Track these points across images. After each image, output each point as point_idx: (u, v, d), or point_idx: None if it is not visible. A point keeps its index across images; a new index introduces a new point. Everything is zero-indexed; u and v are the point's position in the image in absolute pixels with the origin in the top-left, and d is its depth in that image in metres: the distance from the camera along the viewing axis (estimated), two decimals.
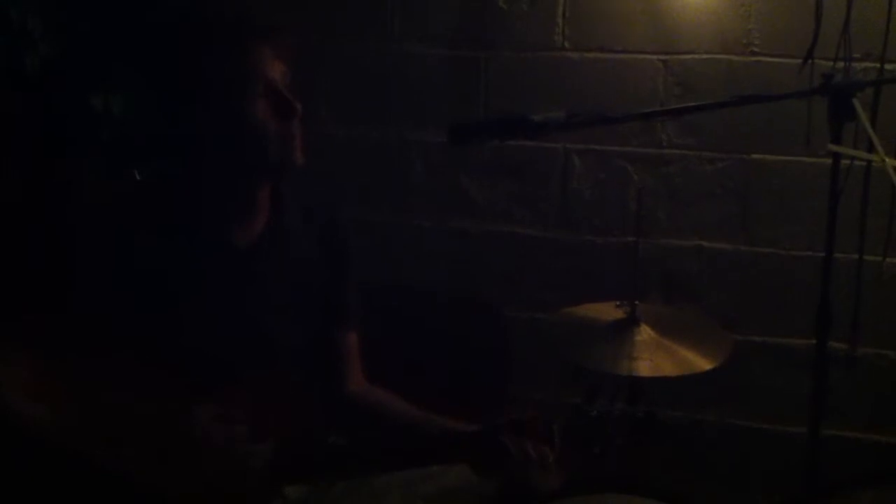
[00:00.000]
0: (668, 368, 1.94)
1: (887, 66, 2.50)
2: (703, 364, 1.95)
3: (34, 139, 2.36)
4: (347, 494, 1.89)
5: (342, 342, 1.98)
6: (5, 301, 1.64)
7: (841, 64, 2.50)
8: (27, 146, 2.32)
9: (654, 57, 2.73)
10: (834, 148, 1.74)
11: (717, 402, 2.79)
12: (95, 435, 1.58)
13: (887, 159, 1.63)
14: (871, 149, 1.76)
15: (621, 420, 1.67)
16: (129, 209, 1.73)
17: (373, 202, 2.96)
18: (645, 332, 2.03)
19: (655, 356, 1.96)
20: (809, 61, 2.46)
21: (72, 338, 1.64)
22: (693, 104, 1.89)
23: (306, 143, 1.75)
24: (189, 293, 1.72)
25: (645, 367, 1.92)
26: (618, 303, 2.10)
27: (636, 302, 2.05)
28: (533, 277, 2.93)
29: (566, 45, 2.79)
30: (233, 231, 1.78)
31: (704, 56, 2.69)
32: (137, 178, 1.88)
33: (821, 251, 1.91)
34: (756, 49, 2.65)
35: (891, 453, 2.68)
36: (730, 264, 2.79)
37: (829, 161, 1.90)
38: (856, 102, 1.70)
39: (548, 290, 2.87)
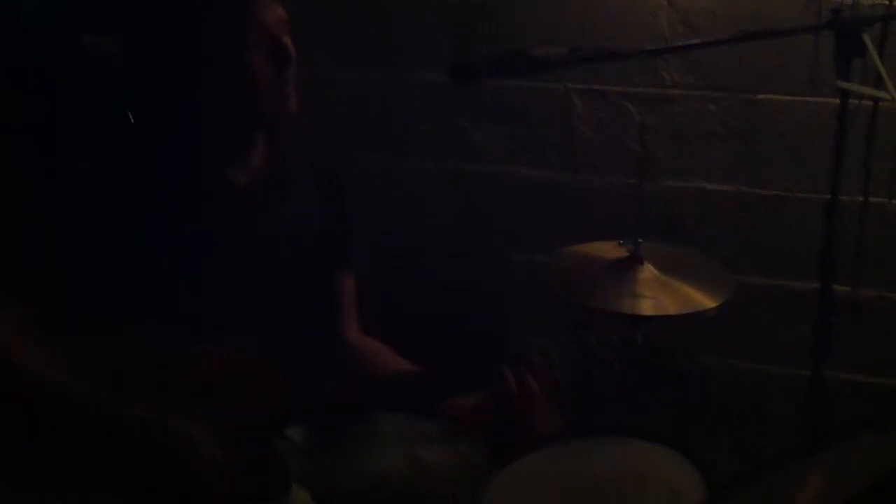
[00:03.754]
0: (671, 306, 1.92)
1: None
2: (707, 302, 1.93)
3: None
4: (348, 434, 1.89)
5: (338, 286, 1.95)
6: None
7: (848, 1, 2.45)
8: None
9: None
10: (842, 85, 1.71)
11: (719, 345, 2.78)
12: (91, 386, 1.57)
13: None
14: (879, 86, 1.72)
15: (619, 345, 1.67)
16: (122, 158, 1.70)
17: (372, 145, 2.92)
18: (648, 271, 2.00)
19: (659, 294, 1.94)
20: None
21: (68, 288, 1.62)
22: (697, 41, 1.85)
23: (304, 91, 1.71)
24: (186, 239, 1.69)
25: (648, 305, 1.90)
26: (621, 241, 2.07)
27: (640, 240, 2.03)
28: (534, 219, 2.90)
29: None
30: (229, 175, 1.75)
31: None
32: (132, 119, 1.84)
33: (825, 193, 1.89)
34: None
35: (893, 396, 2.68)
36: (733, 206, 2.76)
37: (834, 101, 1.87)
38: (866, 38, 1.66)
39: (549, 232, 2.84)
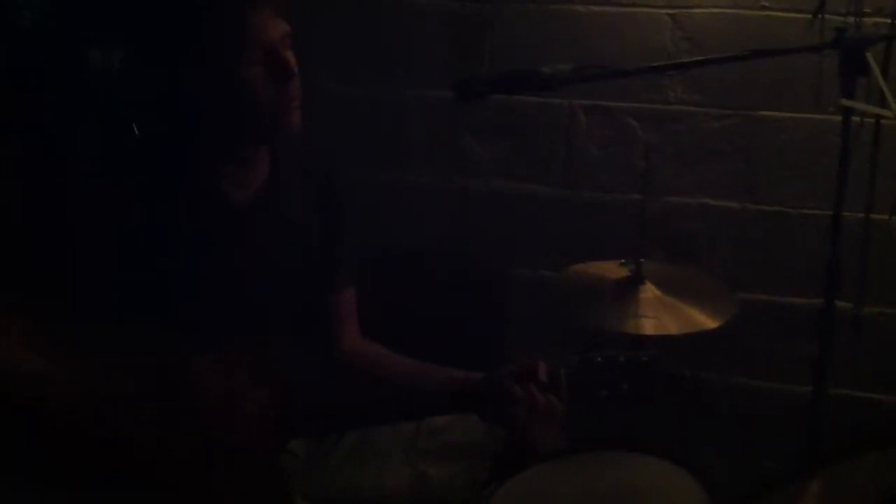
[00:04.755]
0: (672, 326, 1.93)
1: None
2: (708, 322, 1.95)
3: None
4: (352, 451, 1.89)
5: (337, 300, 1.96)
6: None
7: (851, 19, 2.47)
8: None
9: (662, 11, 2.69)
10: (846, 103, 1.72)
11: (721, 361, 2.79)
12: (91, 392, 1.57)
13: None
14: (882, 105, 1.73)
15: (626, 366, 1.68)
16: (123, 171, 1.71)
17: (374, 161, 2.93)
18: (650, 291, 2.02)
19: (660, 314, 1.95)
20: (819, 16, 2.42)
21: (68, 301, 1.62)
22: (702, 58, 1.86)
23: (304, 106, 1.72)
24: (186, 252, 1.70)
25: (650, 325, 1.91)
26: (622, 261, 2.08)
27: (641, 260, 2.04)
28: (537, 236, 2.91)
29: None
30: (229, 189, 1.75)
31: (713, 10, 2.65)
32: (136, 133, 1.85)
33: (828, 209, 1.90)
34: (766, 3, 2.61)
35: (894, 412, 2.68)
36: (736, 223, 2.77)
37: (837, 118, 1.88)
38: (869, 57, 1.67)
39: (552, 250, 2.85)
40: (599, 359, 1.70)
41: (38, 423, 1.56)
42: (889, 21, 2.47)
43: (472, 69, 2.82)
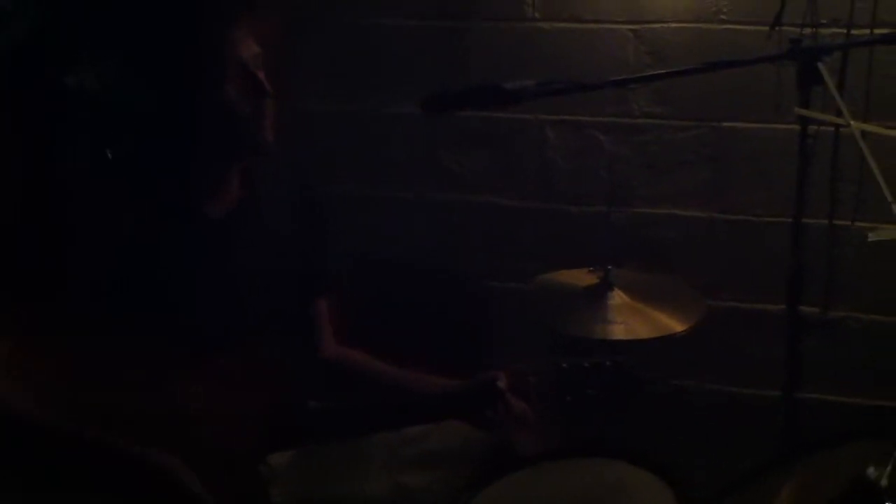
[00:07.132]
0: (642, 331, 1.97)
1: (854, 32, 2.52)
2: (676, 326, 1.98)
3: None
4: (331, 460, 1.91)
5: (314, 309, 2.00)
6: None
7: (809, 30, 2.52)
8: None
9: (625, 27, 2.74)
10: (801, 112, 1.76)
11: (693, 368, 2.82)
12: (79, 413, 1.59)
13: (853, 122, 1.65)
14: (839, 114, 1.77)
15: (591, 371, 1.72)
16: (104, 188, 1.73)
17: (350, 176, 2.96)
18: (618, 297, 2.06)
19: (630, 319, 1.98)
20: (777, 28, 2.48)
21: (54, 317, 1.64)
22: (664, 71, 1.90)
23: (278, 122, 1.75)
24: (164, 266, 1.72)
25: (620, 330, 1.95)
26: (591, 268, 2.12)
27: (609, 267, 2.08)
28: (511, 248, 2.95)
29: (537, 15, 2.80)
30: (205, 204, 1.78)
31: (674, 25, 2.70)
32: (109, 157, 1.88)
33: (792, 216, 1.93)
34: (725, 17, 2.66)
35: (864, 414, 2.72)
36: (704, 231, 2.81)
37: (798, 127, 1.92)
38: (821, 66, 1.71)
39: (526, 260, 2.88)
40: (565, 365, 1.74)
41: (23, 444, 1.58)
42: (845, 31, 2.52)
43: (445, 86, 2.85)
